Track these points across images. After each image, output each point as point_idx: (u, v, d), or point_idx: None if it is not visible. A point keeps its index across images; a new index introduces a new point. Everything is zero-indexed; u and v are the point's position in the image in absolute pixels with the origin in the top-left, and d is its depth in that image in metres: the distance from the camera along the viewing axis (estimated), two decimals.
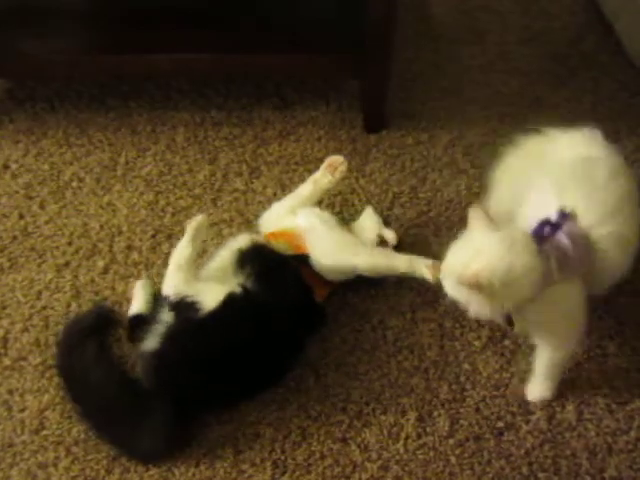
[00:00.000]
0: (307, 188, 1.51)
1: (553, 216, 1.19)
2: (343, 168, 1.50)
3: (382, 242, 1.49)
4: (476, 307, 1.14)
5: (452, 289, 1.16)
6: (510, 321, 1.19)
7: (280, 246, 1.40)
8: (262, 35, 1.74)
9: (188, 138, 1.80)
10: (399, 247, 1.51)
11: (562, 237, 1.17)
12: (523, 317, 1.20)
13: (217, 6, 1.82)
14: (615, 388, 1.34)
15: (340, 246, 1.40)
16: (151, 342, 1.27)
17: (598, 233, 1.19)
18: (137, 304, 1.41)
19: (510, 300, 1.12)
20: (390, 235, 1.49)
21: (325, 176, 1.50)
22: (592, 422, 1.30)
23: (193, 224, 1.35)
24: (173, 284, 1.31)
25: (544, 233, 1.18)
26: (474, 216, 1.17)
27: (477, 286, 1.08)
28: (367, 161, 1.73)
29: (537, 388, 1.32)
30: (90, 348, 1.33)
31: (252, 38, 1.73)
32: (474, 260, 1.10)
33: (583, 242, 1.18)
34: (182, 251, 1.34)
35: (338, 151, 1.75)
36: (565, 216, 1.19)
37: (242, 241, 1.38)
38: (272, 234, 1.45)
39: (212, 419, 1.30)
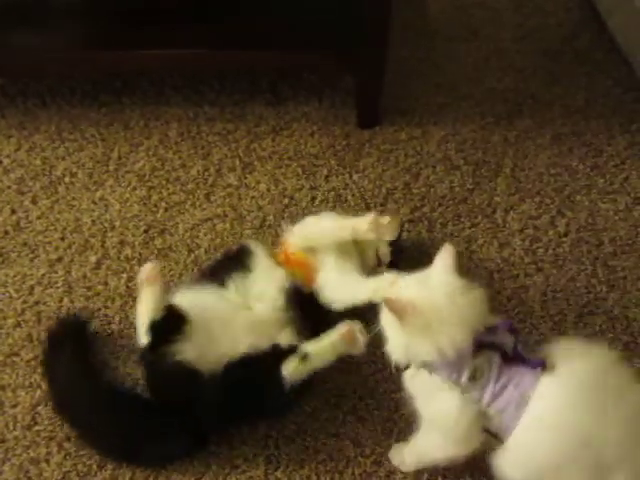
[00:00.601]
0: (345, 232, 1.33)
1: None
2: (388, 235, 1.38)
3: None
4: (390, 337, 1.09)
5: (383, 313, 1.09)
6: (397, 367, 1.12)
7: (293, 272, 1.34)
8: (258, 31, 1.73)
9: (181, 133, 1.79)
10: None
11: (511, 373, 1.05)
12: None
13: (211, 2, 1.81)
14: None
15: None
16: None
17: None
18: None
19: (417, 344, 1.04)
20: (384, 252, 1.41)
21: (368, 233, 1.32)
22: None
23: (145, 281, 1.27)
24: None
25: (495, 340, 1.06)
26: (442, 255, 1.10)
27: (396, 310, 1.03)
28: (360, 157, 1.73)
29: (398, 454, 1.25)
30: (65, 358, 1.32)
31: (248, 34, 1.72)
32: (412, 289, 1.07)
33: (516, 402, 1.04)
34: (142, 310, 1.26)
35: (332, 146, 1.75)
36: (539, 365, 1.04)
37: (282, 278, 1.31)
38: (293, 258, 1.36)
39: None
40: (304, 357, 1.20)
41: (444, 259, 1.09)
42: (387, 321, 1.08)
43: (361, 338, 1.23)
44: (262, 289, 1.30)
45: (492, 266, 1.52)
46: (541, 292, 1.48)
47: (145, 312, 1.25)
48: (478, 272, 1.51)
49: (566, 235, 1.58)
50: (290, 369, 1.19)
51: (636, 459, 1.01)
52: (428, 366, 1.07)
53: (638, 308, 1.46)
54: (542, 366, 1.04)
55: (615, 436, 1.00)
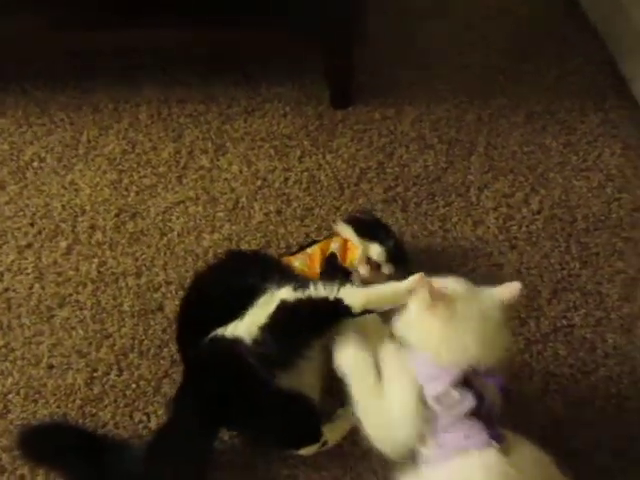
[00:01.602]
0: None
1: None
2: None
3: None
4: (408, 315, 1.06)
5: (416, 294, 1.06)
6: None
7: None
8: (228, 11, 1.70)
9: (152, 115, 1.76)
10: None
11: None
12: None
13: None
14: (580, 358, 1.36)
15: None
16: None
17: None
18: None
19: (428, 331, 1.03)
20: (377, 252, 1.36)
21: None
22: (558, 392, 1.31)
23: None
24: None
25: (482, 388, 1.03)
26: (506, 288, 1.07)
27: (433, 293, 1.01)
28: (334, 137, 1.72)
29: None
30: None
31: (216, 14, 1.69)
32: (457, 289, 1.05)
33: (453, 449, 1.00)
34: None
35: (305, 127, 1.73)
36: (496, 438, 1.00)
37: None
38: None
39: None
40: (323, 444, 1.21)
41: (504, 292, 1.06)
42: (416, 301, 1.05)
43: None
44: None
45: (466, 244, 1.52)
46: (515, 269, 1.49)
47: None
48: (452, 251, 1.51)
49: (539, 212, 1.59)
50: (306, 451, 1.21)
51: None
52: (415, 357, 1.05)
53: (611, 284, 1.47)
54: (498, 441, 0.99)
55: None
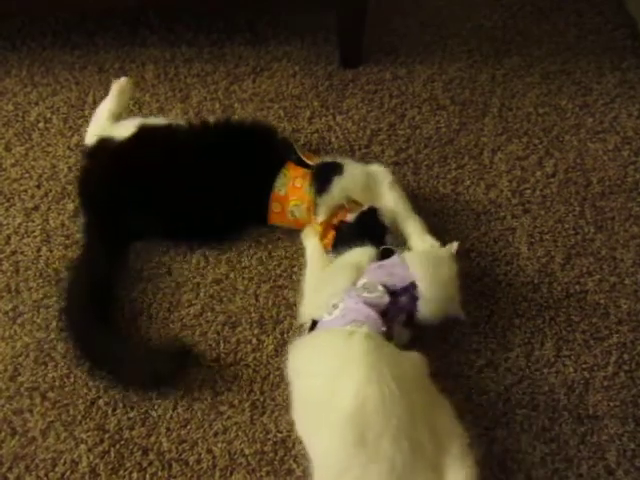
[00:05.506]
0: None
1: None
2: None
3: None
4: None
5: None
6: None
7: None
8: None
9: (158, 75, 1.73)
10: None
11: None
12: None
13: None
14: (593, 324, 1.34)
15: None
16: None
17: None
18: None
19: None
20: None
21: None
22: (570, 358, 1.30)
23: (116, 86, 1.53)
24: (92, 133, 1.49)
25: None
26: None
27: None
28: (344, 97, 1.68)
29: None
30: None
31: None
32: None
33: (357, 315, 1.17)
34: (104, 106, 1.53)
35: (314, 87, 1.70)
36: None
37: None
38: None
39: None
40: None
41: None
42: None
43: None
44: None
45: (479, 208, 1.50)
46: (528, 234, 1.46)
47: (107, 109, 1.51)
48: (465, 214, 1.49)
49: (554, 176, 1.56)
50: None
51: None
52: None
53: (625, 249, 1.45)
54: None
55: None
